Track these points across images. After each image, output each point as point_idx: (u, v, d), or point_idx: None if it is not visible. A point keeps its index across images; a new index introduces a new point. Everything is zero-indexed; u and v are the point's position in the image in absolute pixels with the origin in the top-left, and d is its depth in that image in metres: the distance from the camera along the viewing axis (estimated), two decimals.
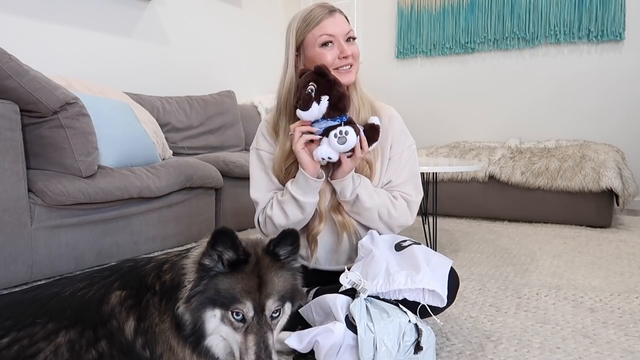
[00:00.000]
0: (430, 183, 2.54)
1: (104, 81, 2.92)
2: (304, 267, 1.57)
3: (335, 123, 1.31)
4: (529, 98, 4.07)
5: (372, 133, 1.37)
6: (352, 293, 1.23)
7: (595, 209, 3.07)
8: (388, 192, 1.50)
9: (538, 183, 3.19)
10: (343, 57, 1.42)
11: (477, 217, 3.45)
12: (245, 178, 2.87)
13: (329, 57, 1.42)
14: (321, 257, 1.55)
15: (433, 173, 2.52)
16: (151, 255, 1.09)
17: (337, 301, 1.18)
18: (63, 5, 2.87)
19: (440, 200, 3.01)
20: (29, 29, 2.70)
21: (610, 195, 3.03)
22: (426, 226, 2.53)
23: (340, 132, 1.29)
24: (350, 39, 1.45)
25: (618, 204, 3.10)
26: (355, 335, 1.11)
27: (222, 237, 0.95)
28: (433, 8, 4.31)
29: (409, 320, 1.15)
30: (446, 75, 4.38)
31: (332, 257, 1.55)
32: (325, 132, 1.31)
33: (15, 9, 2.64)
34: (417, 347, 1.13)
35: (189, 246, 1.15)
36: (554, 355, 1.33)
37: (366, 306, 1.16)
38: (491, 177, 3.35)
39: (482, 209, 3.40)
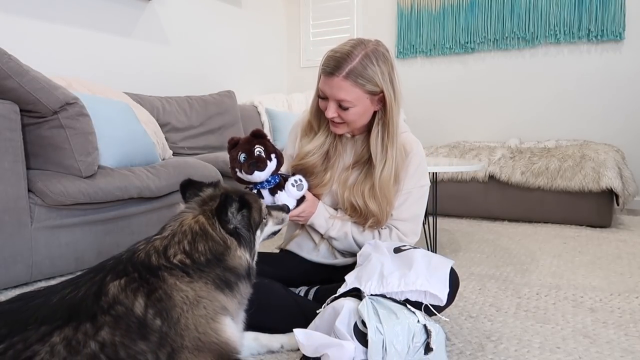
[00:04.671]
0: (430, 183, 2.54)
1: (104, 81, 2.92)
2: (304, 265, 1.59)
3: (283, 176, 1.43)
4: (529, 98, 4.06)
5: None
6: (357, 294, 1.23)
7: (595, 209, 3.07)
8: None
9: (538, 183, 3.19)
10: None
11: (477, 217, 3.45)
12: None
13: (321, 105, 1.44)
14: (322, 248, 1.56)
15: (433, 173, 2.52)
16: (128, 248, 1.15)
17: (344, 310, 1.17)
18: (63, 5, 2.87)
19: (440, 200, 3.01)
20: (29, 29, 2.70)
21: (610, 195, 3.03)
22: (426, 226, 2.53)
23: (296, 180, 1.41)
24: (342, 106, 1.37)
25: (618, 204, 3.10)
26: (365, 349, 1.10)
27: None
28: (433, 8, 4.31)
29: (418, 321, 1.14)
30: (446, 75, 4.38)
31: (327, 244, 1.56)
32: (276, 187, 1.39)
33: (15, 9, 2.64)
34: (427, 348, 1.13)
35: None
36: (554, 355, 1.33)
37: (374, 306, 1.15)
38: (491, 177, 3.35)
39: (482, 209, 3.40)
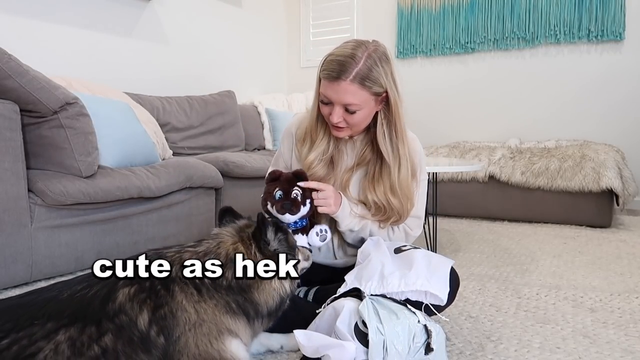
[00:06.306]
0: (430, 183, 2.54)
1: (104, 81, 2.92)
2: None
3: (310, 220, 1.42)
4: (529, 98, 4.06)
5: None
6: (357, 294, 1.23)
7: (595, 209, 3.07)
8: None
9: (538, 183, 3.19)
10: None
11: (477, 217, 3.45)
12: (245, 178, 2.89)
13: (324, 111, 1.42)
14: (323, 248, 1.56)
15: (433, 173, 2.52)
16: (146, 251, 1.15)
17: (344, 310, 1.17)
18: (63, 5, 2.87)
19: (440, 200, 3.01)
20: (29, 29, 2.70)
21: (610, 195, 3.03)
22: (426, 226, 2.53)
23: (321, 230, 1.40)
24: (348, 110, 1.35)
25: (618, 204, 3.10)
26: (365, 349, 1.10)
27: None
28: (433, 8, 4.31)
29: (418, 321, 1.14)
30: (446, 75, 4.38)
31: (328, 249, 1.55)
32: (300, 230, 1.38)
33: (15, 9, 2.64)
34: (428, 348, 1.13)
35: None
36: (554, 355, 1.33)
37: (374, 306, 1.15)
38: (491, 177, 3.35)
39: (482, 209, 3.40)
